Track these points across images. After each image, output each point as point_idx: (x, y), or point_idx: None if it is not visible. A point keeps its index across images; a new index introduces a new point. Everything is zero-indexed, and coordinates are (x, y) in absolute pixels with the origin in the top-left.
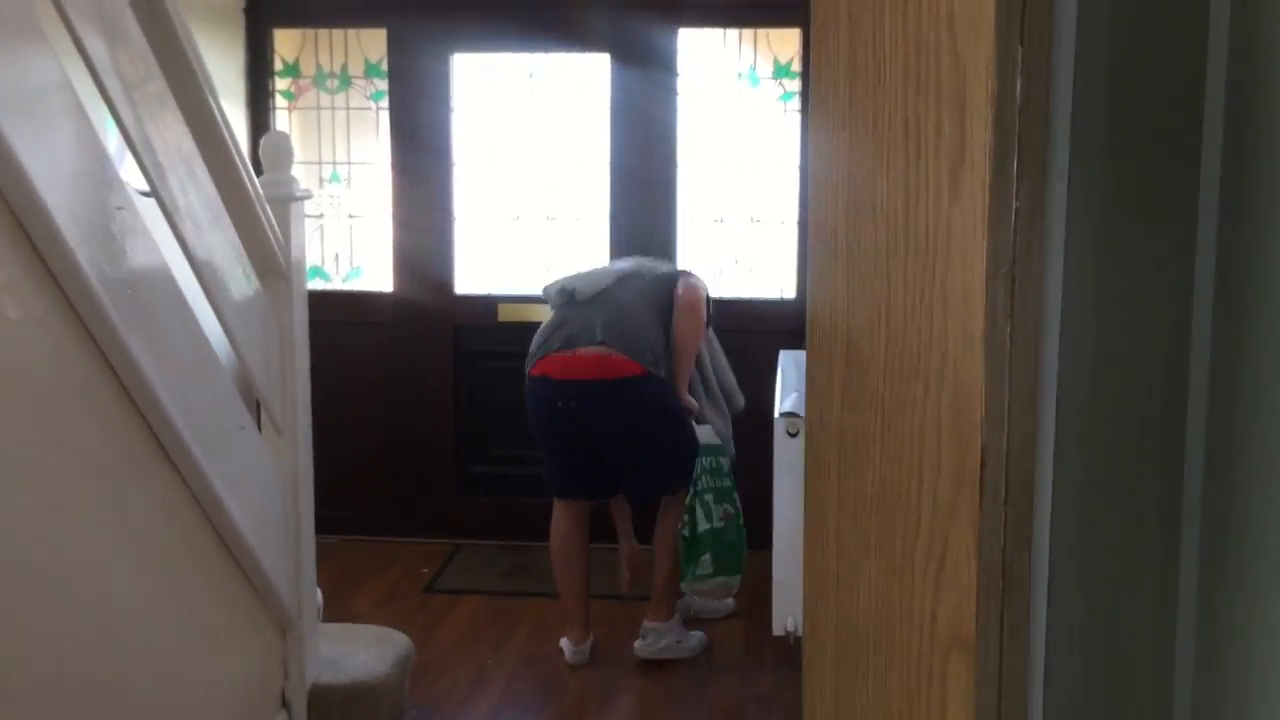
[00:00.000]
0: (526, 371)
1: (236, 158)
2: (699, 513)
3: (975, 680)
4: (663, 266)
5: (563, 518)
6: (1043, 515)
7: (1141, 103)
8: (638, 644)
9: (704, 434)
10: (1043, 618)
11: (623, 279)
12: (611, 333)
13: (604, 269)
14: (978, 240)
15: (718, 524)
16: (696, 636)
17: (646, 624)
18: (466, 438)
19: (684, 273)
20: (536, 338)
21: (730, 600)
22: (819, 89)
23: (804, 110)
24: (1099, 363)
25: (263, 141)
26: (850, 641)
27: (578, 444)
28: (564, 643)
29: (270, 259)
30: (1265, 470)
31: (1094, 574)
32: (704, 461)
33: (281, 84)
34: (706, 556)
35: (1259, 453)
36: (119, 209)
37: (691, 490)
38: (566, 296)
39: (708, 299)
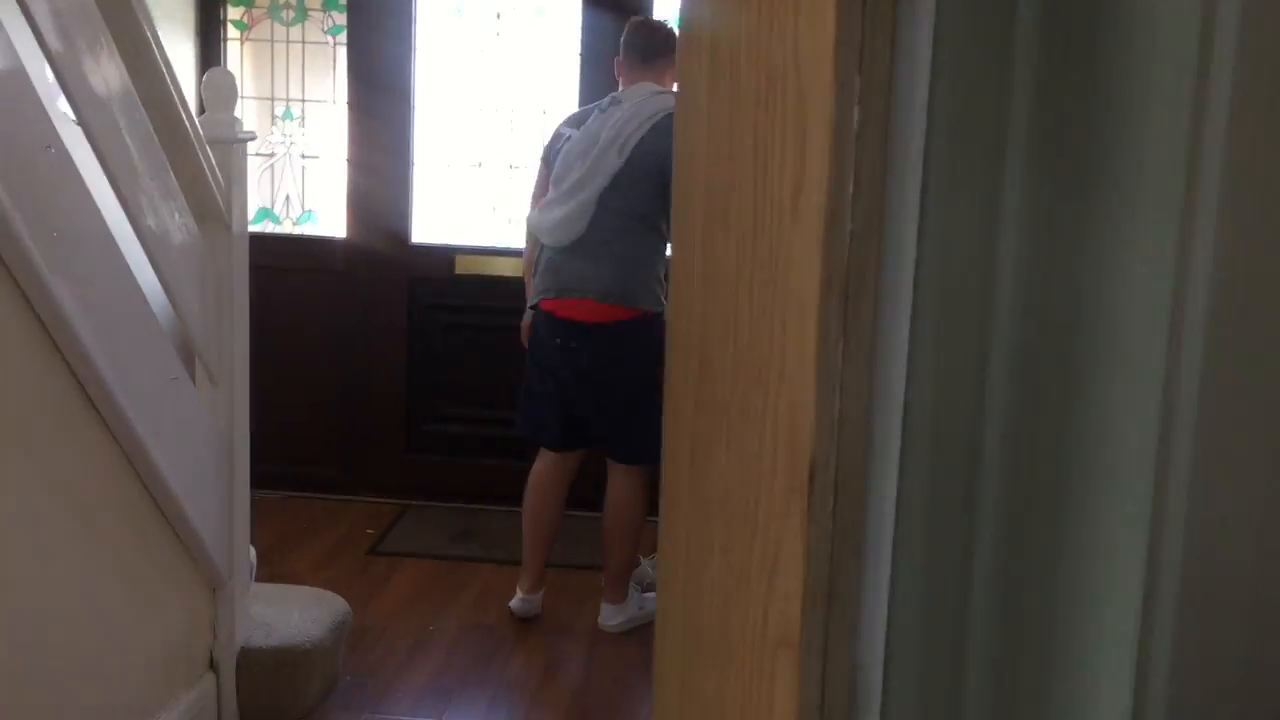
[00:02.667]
0: (534, 304)
1: (175, 95)
2: None
3: (800, 680)
4: (649, 120)
5: (542, 465)
6: (875, 524)
7: (978, 118)
8: (600, 620)
9: None
10: (870, 621)
11: (603, 204)
12: (603, 284)
13: (578, 183)
14: (814, 260)
15: None
16: (653, 600)
17: (604, 604)
18: (419, 394)
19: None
20: (536, 270)
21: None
22: (683, 97)
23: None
24: (941, 378)
25: (204, 78)
26: (695, 637)
27: (567, 385)
28: (516, 595)
29: (209, 203)
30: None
31: (918, 583)
32: None
33: (234, 13)
34: None
35: (1076, 470)
36: (48, 148)
37: None
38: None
39: None
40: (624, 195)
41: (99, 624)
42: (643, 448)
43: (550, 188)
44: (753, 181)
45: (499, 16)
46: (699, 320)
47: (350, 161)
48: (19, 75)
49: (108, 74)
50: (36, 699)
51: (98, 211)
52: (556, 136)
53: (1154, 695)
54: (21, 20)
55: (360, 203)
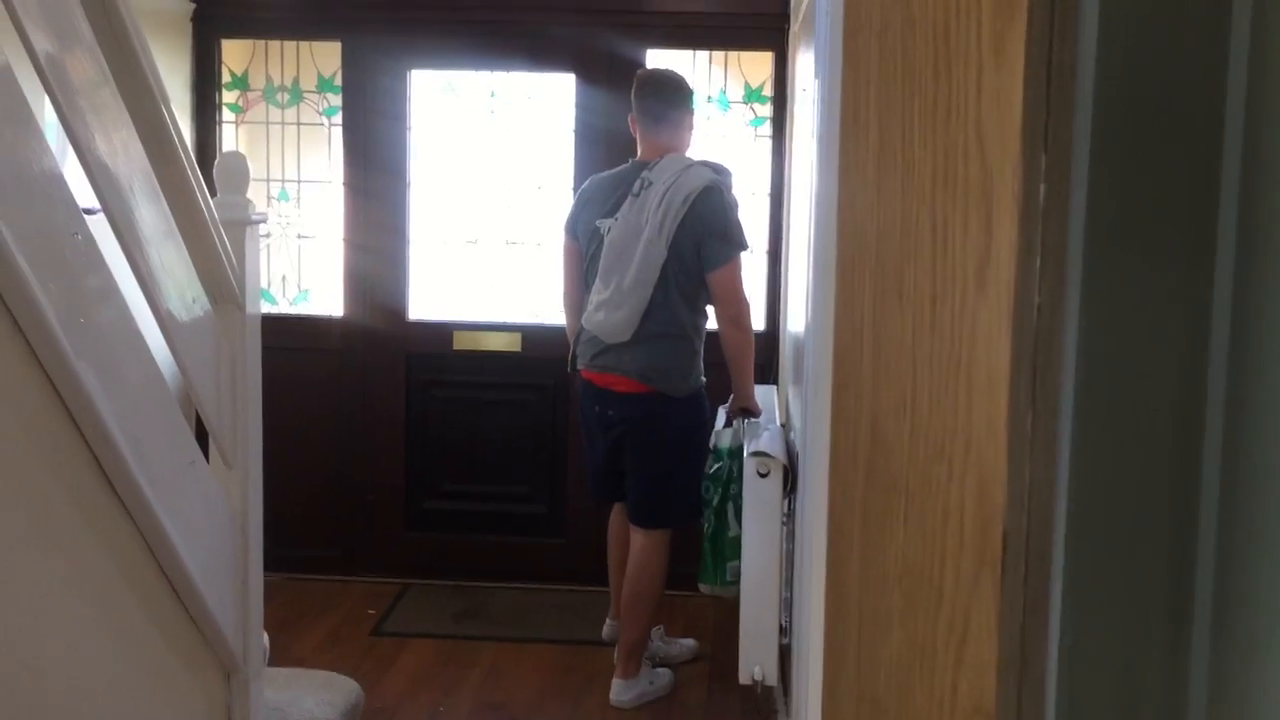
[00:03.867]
0: (575, 369)
1: (192, 177)
2: (730, 516)
3: None
4: (672, 223)
5: (614, 512)
6: (1058, 595)
7: (1155, 201)
8: (612, 696)
9: (726, 437)
10: (1055, 692)
11: (654, 301)
12: (640, 368)
13: (633, 284)
14: (1003, 333)
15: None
16: (664, 674)
17: (616, 680)
18: (418, 471)
19: (714, 242)
20: (579, 339)
21: (692, 641)
22: (847, 183)
23: (775, 135)
24: (1114, 448)
25: (218, 162)
26: (873, 709)
27: (609, 447)
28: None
29: (224, 285)
30: (1274, 556)
31: (1107, 652)
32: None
33: (229, 97)
34: (736, 564)
35: (1268, 540)
36: (74, 234)
37: (721, 493)
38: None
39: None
40: (671, 281)
41: (117, 710)
42: (664, 514)
43: (597, 280)
44: (931, 256)
45: (493, 94)
46: (869, 395)
47: (346, 240)
48: (50, 166)
49: (129, 160)
50: None
51: (121, 296)
52: (584, 205)
53: None
54: (48, 108)
55: (357, 281)
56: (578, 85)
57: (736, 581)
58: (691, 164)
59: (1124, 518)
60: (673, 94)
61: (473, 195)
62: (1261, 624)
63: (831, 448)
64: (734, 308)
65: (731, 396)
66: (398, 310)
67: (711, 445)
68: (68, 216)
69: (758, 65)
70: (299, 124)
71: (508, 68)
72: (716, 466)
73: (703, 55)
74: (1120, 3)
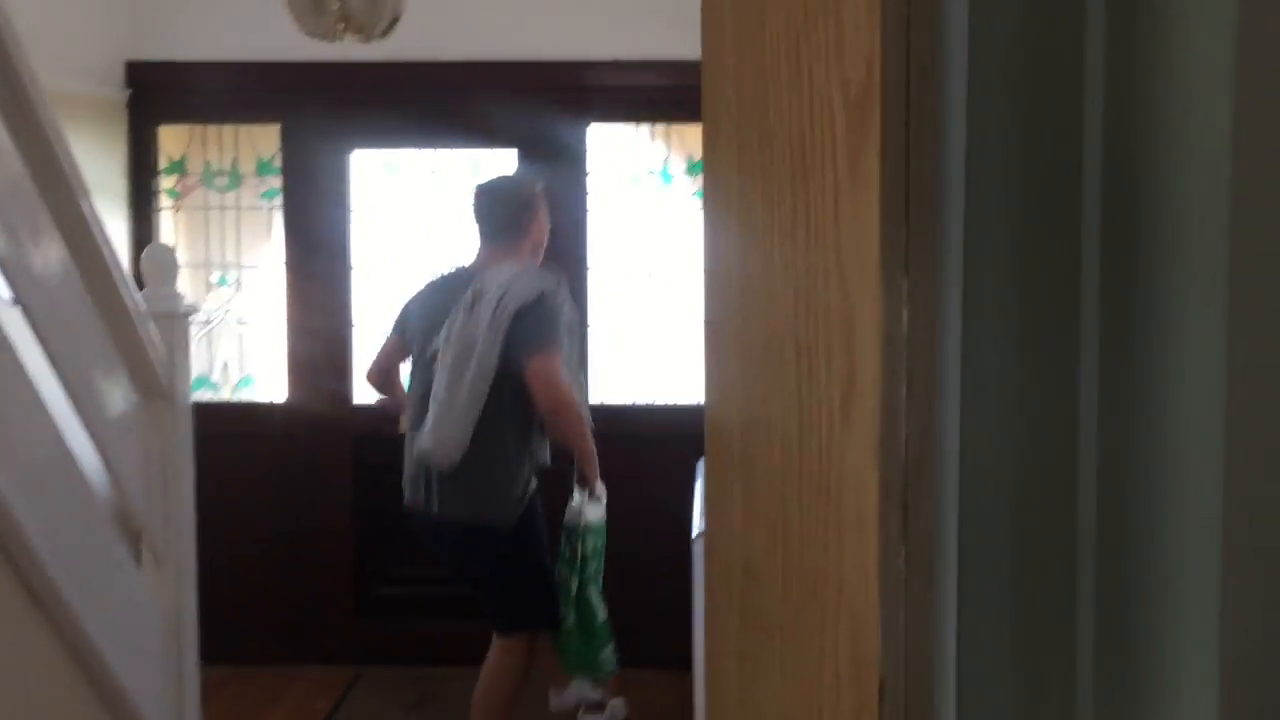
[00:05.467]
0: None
1: (114, 270)
2: (593, 599)
3: None
4: (493, 325)
5: None
6: None
7: (1027, 317)
8: None
9: (594, 511)
10: None
11: (483, 421)
12: (460, 508)
13: (466, 403)
14: (870, 469)
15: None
16: None
17: None
18: (367, 557)
19: (527, 338)
20: (405, 460)
21: (619, 700)
22: (714, 300)
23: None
24: (998, 582)
25: (144, 254)
26: None
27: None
28: None
29: (152, 379)
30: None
31: None
32: (593, 543)
33: (167, 182)
34: (610, 648)
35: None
36: None
37: (579, 577)
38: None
39: (559, 347)
40: (503, 396)
41: None
42: (520, 617)
43: (429, 399)
44: (796, 385)
45: (434, 172)
46: (741, 533)
47: (289, 324)
48: None
49: (47, 255)
50: None
51: (37, 394)
52: (417, 307)
53: None
54: None
55: (300, 365)
56: (520, 161)
57: (612, 667)
58: (521, 274)
59: (1013, 659)
60: (513, 213)
61: (415, 275)
62: None
63: (706, 585)
64: (548, 399)
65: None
66: (342, 393)
67: (564, 522)
68: None
69: (700, 138)
70: (239, 208)
71: (449, 145)
72: (568, 550)
73: (645, 128)
74: (986, 117)
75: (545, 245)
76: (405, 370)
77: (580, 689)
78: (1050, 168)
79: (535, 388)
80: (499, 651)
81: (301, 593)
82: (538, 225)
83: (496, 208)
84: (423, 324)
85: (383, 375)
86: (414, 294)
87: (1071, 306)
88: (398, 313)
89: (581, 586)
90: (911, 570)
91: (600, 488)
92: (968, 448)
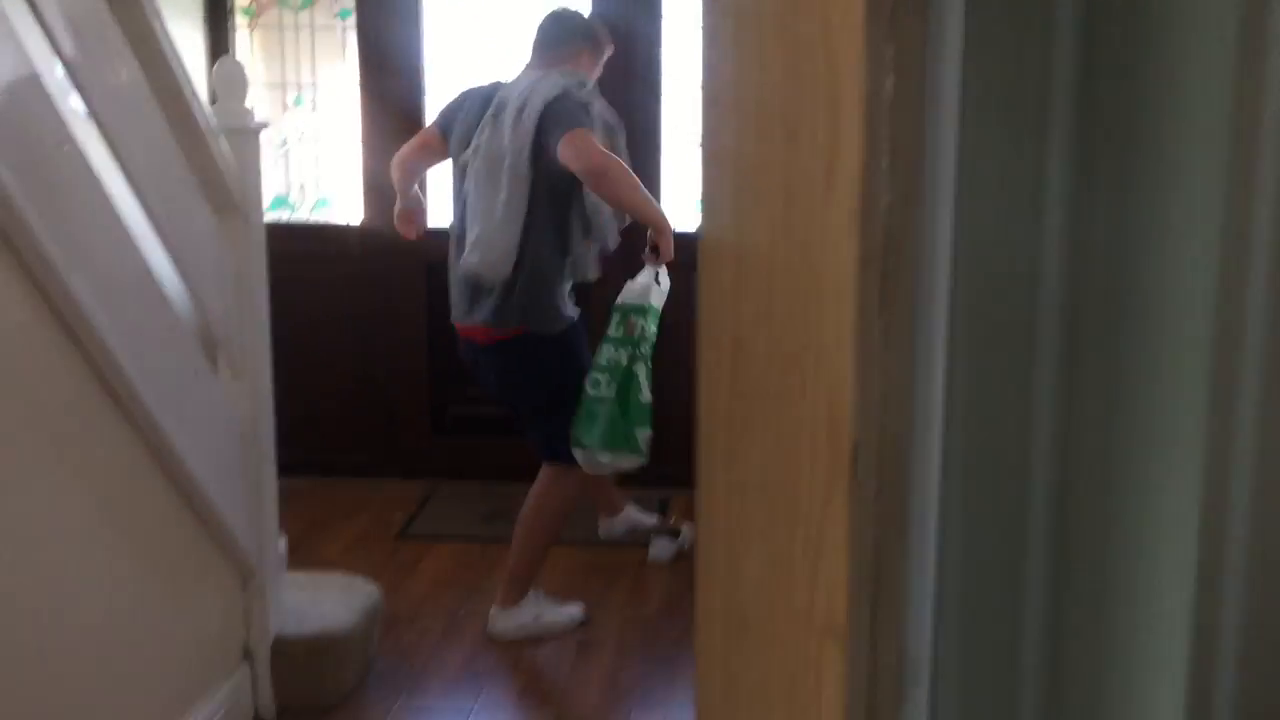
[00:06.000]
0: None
1: (186, 87)
2: (642, 378)
3: (847, 669)
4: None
5: None
6: (920, 507)
7: (1015, 90)
8: (488, 626)
9: (658, 295)
10: (919, 608)
11: (526, 229)
12: (499, 311)
13: (504, 217)
14: (850, 236)
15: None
16: (564, 612)
17: (495, 608)
18: (441, 377)
19: (552, 127)
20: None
21: (577, 610)
22: (711, 80)
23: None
24: (981, 356)
25: (214, 69)
26: (738, 626)
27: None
28: None
29: (225, 195)
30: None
31: (975, 567)
32: (651, 325)
33: (241, 0)
34: (647, 432)
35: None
36: (61, 146)
37: (631, 351)
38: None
39: (609, 126)
40: (541, 203)
41: (132, 619)
42: (558, 447)
43: (466, 217)
44: (784, 158)
45: None
46: (731, 304)
47: (364, 146)
48: (30, 76)
49: (119, 69)
50: (71, 696)
51: (113, 208)
52: (457, 112)
53: (1209, 684)
54: (30, 17)
55: (376, 188)
56: None
57: (643, 453)
58: (540, 79)
59: (988, 426)
60: (565, 31)
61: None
62: (1108, 535)
63: (700, 357)
64: (586, 166)
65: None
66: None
67: (618, 302)
68: (55, 127)
69: None
70: (313, 27)
71: None
72: (623, 327)
73: None
74: None
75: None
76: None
77: (630, 517)
78: None
79: (570, 161)
80: (545, 478)
81: (379, 409)
82: (587, 57)
83: (552, 28)
84: (460, 132)
85: (404, 164)
86: (454, 99)
87: (1058, 78)
88: (441, 111)
89: (631, 361)
90: (889, 339)
91: (666, 274)
92: (951, 217)
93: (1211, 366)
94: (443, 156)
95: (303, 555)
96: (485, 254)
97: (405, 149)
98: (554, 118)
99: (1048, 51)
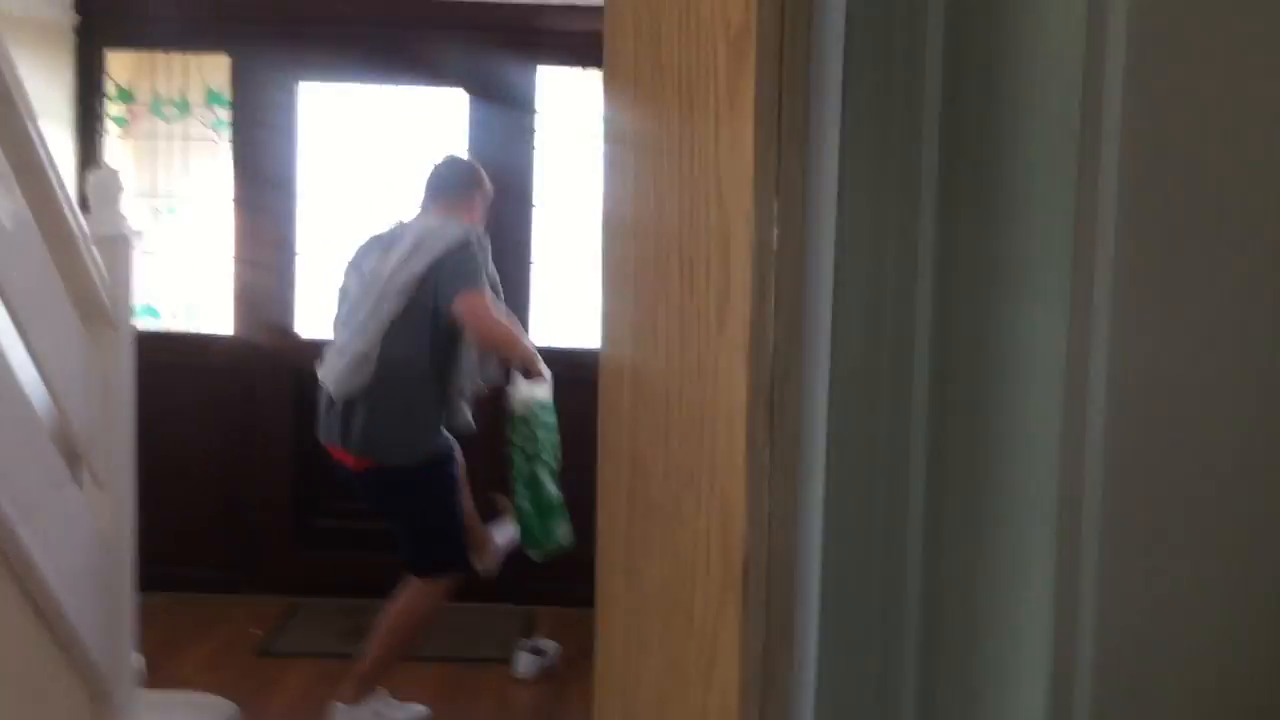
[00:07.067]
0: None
1: (59, 192)
2: (544, 479)
3: None
4: (425, 259)
5: None
6: (805, 616)
7: (884, 234)
8: None
9: (541, 389)
10: (805, 711)
11: (384, 352)
12: (361, 440)
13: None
14: (741, 370)
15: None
16: (410, 711)
17: (336, 704)
18: (306, 489)
19: (453, 278)
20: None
21: (423, 708)
22: (611, 217)
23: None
24: (856, 474)
25: (90, 177)
26: None
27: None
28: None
29: (95, 302)
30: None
31: (852, 667)
32: (543, 419)
33: (114, 110)
34: (565, 525)
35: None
36: None
37: (527, 456)
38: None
39: (492, 283)
40: (408, 331)
41: None
42: (426, 564)
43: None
44: (679, 291)
45: (383, 108)
46: (629, 425)
47: (235, 255)
48: None
49: None
50: None
51: None
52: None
53: None
54: None
55: (245, 296)
56: (470, 101)
57: (568, 541)
58: (443, 222)
59: (866, 542)
60: (456, 173)
61: (362, 210)
62: (973, 629)
63: (600, 476)
64: (484, 331)
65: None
66: (285, 326)
67: (508, 413)
68: None
69: None
70: (188, 138)
71: (398, 81)
72: (519, 434)
73: (594, 72)
74: (859, 54)
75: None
76: None
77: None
78: (905, 103)
79: (469, 323)
80: (413, 585)
81: (240, 523)
82: (479, 202)
83: (447, 174)
84: (352, 277)
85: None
86: (354, 253)
87: (921, 227)
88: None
89: (530, 466)
90: (776, 463)
91: (545, 370)
92: (831, 354)
93: (1058, 461)
94: None
95: (158, 674)
96: (334, 362)
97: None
98: (454, 269)
99: (911, 196)
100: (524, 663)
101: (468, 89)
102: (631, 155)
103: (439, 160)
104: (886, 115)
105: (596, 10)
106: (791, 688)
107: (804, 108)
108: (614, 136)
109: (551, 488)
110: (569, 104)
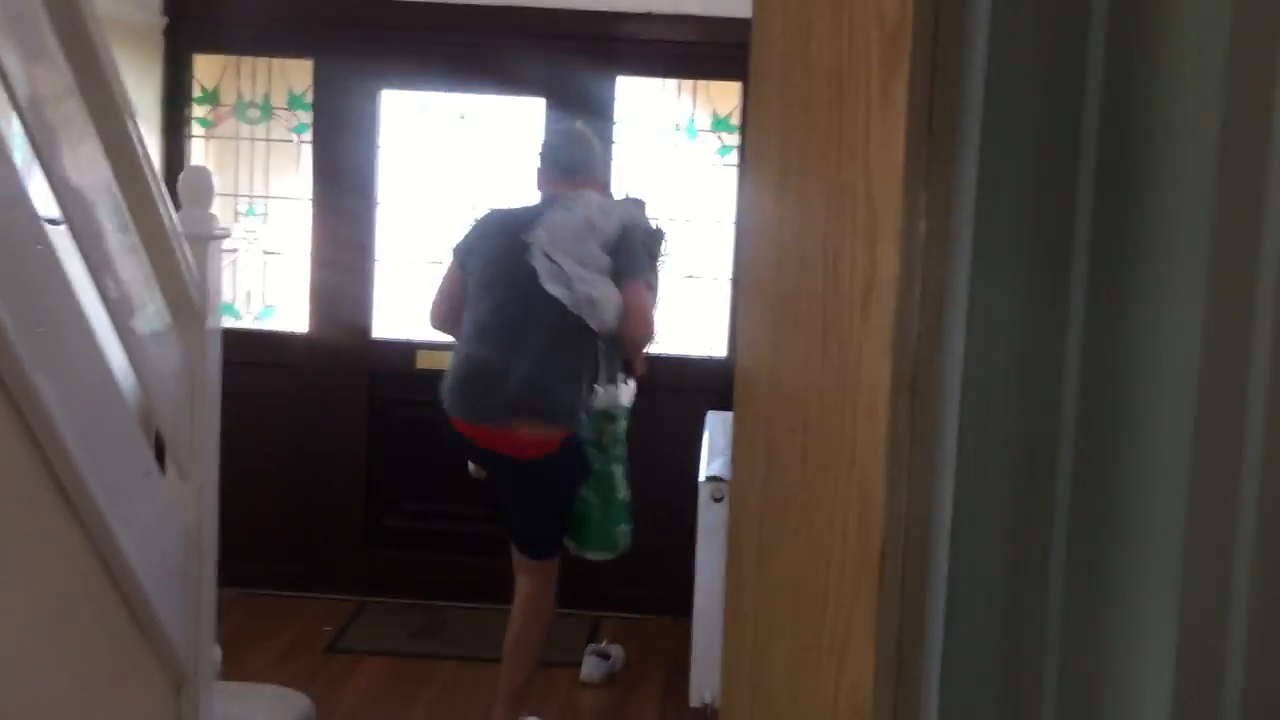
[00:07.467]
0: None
1: (156, 191)
2: (619, 477)
3: None
4: (603, 234)
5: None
6: (937, 604)
7: (1031, 234)
8: None
9: (628, 395)
10: (936, 698)
11: (547, 303)
12: (526, 399)
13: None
14: (884, 357)
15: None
16: None
17: None
18: (378, 488)
19: (630, 260)
20: (448, 377)
21: (619, 648)
22: (752, 215)
23: (741, 164)
24: (991, 464)
25: (182, 176)
26: (764, 707)
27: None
28: None
29: (185, 298)
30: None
31: (984, 656)
32: (624, 425)
33: (199, 111)
34: (626, 528)
35: (1121, 554)
36: (36, 245)
37: (607, 456)
38: (478, 329)
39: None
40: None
41: (61, 718)
42: (551, 546)
43: (509, 330)
44: (822, 286)
45: (462, 117)
46: (766, 414)
47: (313, 257)
48: (12, 177)
49: (94, 173)
50: None
51: (80, 307)
52: (480, 237)
53: None
54: (14, 120)
55: (322, 298)
56: (547, 110)
57: (626, 545)
58: (604, 202)
59: (1000, 530)
60: (582, 144)
61: (439, 216)
62: (1103, 623)
63: (734, 464)
64: (644, 328)
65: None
66: (362, 328)
67: (595, 410)
68: (30, 227)
69: (726, 94)
70: (269, 140)
71: (478, 90)
72: (600, 430)
73: (672, 83)
74: (1004, 51)
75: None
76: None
77: None
78: (1058, 102)
79: (635, 309)
80: (533, 588)
81: (312, 521)
82: (603, 169)
83: (570, 145)
84: (493, 254)
85: (452, 307)
86: (476, 226)
87: (1068, 226)
88: (459, 244)
89: (605, 464)
90: (915, 450)
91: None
92: (971, 345)
93: (1190, 483)
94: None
95: (230, 667)
96: (532, 377)
97: (441, 300)
98: (629, 252)
99: (1063, 202)
100: (591, 667)
101: (547, 98)
102: (777, 151)
103: (557, 127)
104: (1032, 110)
105: (674, 19)
106: (923, 672)
107: (954, 102)
108: (758, 133)
109: (622, 489)
110: (647, 113)
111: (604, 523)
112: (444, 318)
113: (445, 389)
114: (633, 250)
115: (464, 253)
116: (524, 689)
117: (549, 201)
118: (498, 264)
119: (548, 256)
